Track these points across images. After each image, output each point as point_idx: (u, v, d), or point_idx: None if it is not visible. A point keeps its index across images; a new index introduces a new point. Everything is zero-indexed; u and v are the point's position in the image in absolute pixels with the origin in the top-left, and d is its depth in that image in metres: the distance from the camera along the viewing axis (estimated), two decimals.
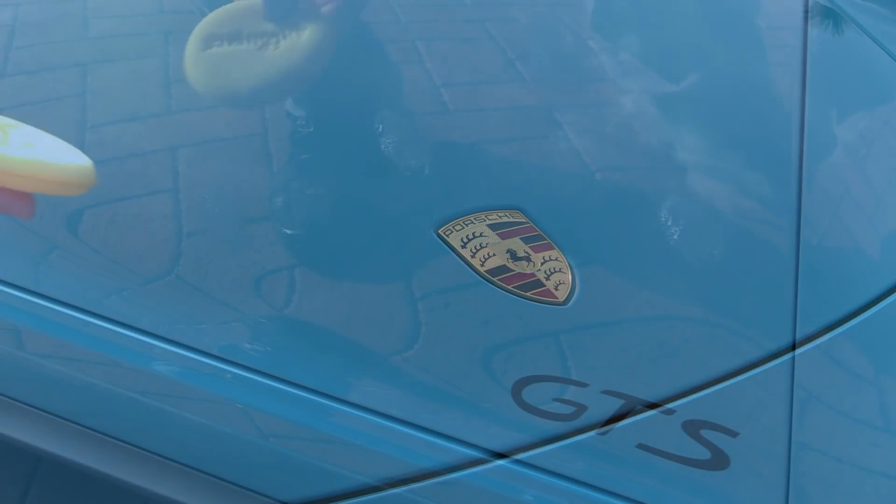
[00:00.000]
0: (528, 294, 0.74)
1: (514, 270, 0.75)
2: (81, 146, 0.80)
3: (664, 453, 0.70)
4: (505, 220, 0.77)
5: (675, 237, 0.61)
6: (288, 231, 0.73)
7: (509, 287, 0.75)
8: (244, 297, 0.80)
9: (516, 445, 0.76)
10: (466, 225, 0.78)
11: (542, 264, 0.75)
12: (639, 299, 0.65)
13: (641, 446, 0.70)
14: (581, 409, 0.70)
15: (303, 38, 0.68)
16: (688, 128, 0.59)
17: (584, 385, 0.69)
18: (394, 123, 0.66)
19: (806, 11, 0.55)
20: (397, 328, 0.74)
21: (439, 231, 0.72)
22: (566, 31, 0.61)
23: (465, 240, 0.77)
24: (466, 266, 0.73)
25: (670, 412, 0.67)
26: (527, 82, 0.62)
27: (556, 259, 0.75)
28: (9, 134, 0.65)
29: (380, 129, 0.66)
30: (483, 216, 0.75)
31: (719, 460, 0.68)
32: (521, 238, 0.77)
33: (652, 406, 0.68)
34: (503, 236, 0.79)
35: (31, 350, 0.97)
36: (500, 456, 0.77)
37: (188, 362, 0.88)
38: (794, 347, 0.62)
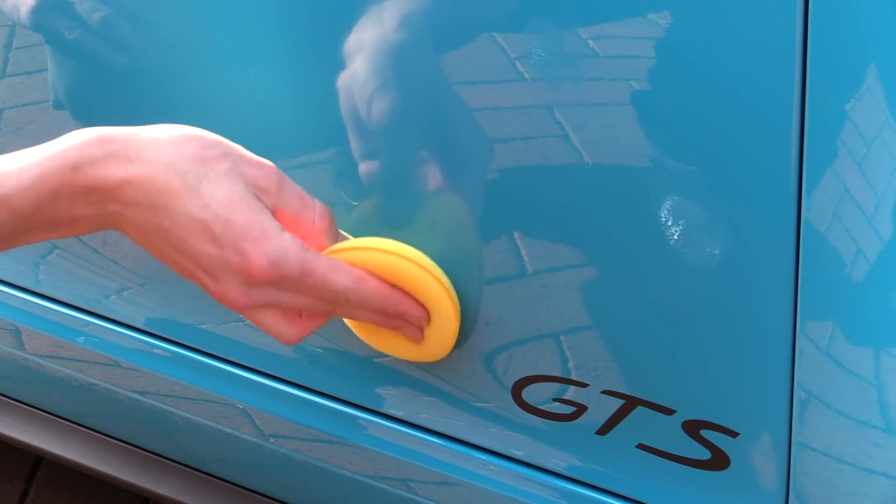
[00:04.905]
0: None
1: None
2: None
3: (664, 453, 0.70)
4: None
5: (675, 237, 0.61)
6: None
7: None
8: None
9: (516, 445, 0.76)
10: None
11: None
12: (638, 299, 0.65)
13: (641, 446, 0.70)
14: (581, 409, 0.70)
15: None
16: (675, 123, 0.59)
17: (584, 385, 0.69)
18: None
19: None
20: None
21: None
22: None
23: None
24: None
25: (670, 412, 0.67)
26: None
27: None
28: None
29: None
30: None
31: (719, 460, 0.68)
32: None
33: (652, 406, 0.68)
34: None
35: (31, 350, 0.97)
36: (500, 456, 0.77)
37: (188, 362, 0.88)
38: (794, 347, 0.62)
